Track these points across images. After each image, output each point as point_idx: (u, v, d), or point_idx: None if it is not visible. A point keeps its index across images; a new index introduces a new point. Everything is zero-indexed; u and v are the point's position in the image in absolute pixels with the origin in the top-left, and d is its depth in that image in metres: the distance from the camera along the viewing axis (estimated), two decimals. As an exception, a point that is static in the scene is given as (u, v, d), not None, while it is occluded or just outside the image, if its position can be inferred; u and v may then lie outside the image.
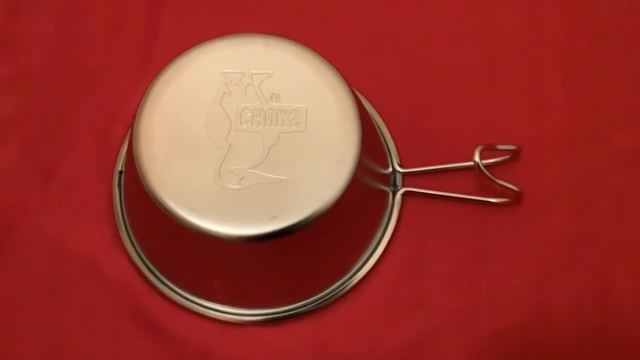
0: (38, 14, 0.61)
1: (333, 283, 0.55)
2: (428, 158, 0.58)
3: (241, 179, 0.49)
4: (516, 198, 0.56)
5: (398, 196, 0.57)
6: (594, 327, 0.55)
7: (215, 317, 0.55)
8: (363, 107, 0.53)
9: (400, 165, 0.57)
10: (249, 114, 0.51)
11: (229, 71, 0.52)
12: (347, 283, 0.55)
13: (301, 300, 0.55)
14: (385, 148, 0.58)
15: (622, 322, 0.55)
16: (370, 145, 0.53)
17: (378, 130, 0.58)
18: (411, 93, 0.59)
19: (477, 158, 0.55)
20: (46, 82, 0.60)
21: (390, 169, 0.57)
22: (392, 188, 0.57)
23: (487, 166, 0.55)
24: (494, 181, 0.55)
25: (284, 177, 0.49)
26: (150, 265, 0.56)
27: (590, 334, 0.55)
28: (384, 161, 0.57)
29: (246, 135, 0.50)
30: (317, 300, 0.55)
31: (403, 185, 0.57)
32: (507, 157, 0.57)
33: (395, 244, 0.56)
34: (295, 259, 0.52)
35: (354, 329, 0.55)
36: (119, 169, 0.57)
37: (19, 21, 0.61)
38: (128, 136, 0.57)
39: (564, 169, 0.58)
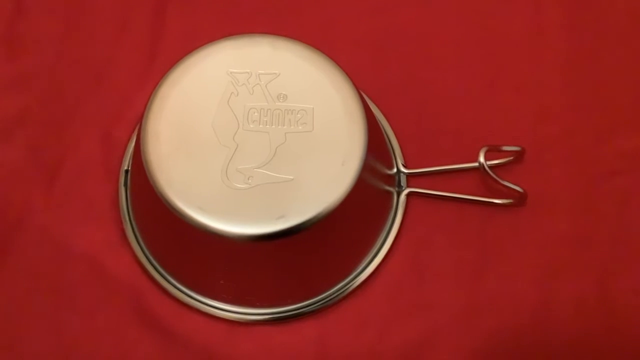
0: (44, 14, 0.61)
1: (337, 283, 0.55)
2: (432, 159, 0.58)
3: (248, 178, 0.50)
4: (520, 199, 0.56)
5: (402, 196, 0.57)
6: (596, 328, 0.55)
7: (220, 316, 0.55)
8: (369, 107, 0.53)
9: (405, 166, 0.58)
10: (256, 114, 0.51)
11: (236, 71, 0.52)
12: (351, 283, 0.56)
13: (306, 300, 0.55)
14: (390, 149, 0.58)
15: (623, 324, 0.55)
16: (375, 145, 0.53)
17: (383, 131, 0.58)
18: (415, 94, 0.60)
19: (481, 159, 0.55)
20: (52, 82, 0.60)
21: (395, 170, 0.57)
22: (396, 188, 0.57)
23: (490, 167, 0.56)
24: (498, 182, 0.55)
25: (291, 177, 0.50)
26: (156, 264, 0.56)
27: (592, 335, 0.55)
28: (388, 162, 0.57)
29: (253, 135, 0.51)
30: (321, 300, 0.55)
31: (407, 186, 0.57)
32: (511, 158, 0.57)
33: (399, 244, 0.57)
34: (301, 259, 0.53)
35: (357, 329, 0.55)
36: (125, 168, 0.57)
37: (25, 20, 0.61)
38: (134, 135, 0.57)
39: (567, 170, 0.58)
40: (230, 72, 0.52)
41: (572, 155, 0.58)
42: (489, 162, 0.55)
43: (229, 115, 0.51)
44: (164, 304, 0.55)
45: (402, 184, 0.57)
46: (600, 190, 0.58)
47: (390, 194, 0.57)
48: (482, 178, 0.57)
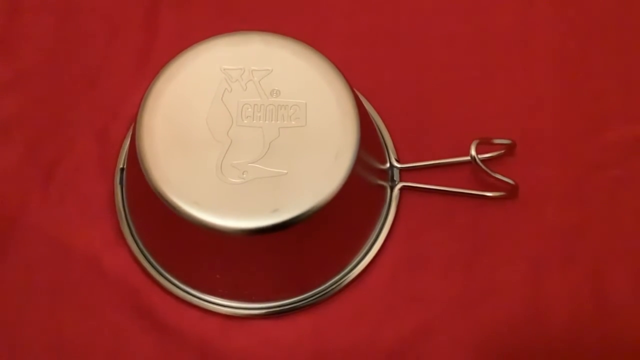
0: (38, 14, 0.62)
1: (332, 277, 0.56)
2: (424, 153, 0.58)
3: (243, 173, 0.50)
4: (511, 192, 0.57)
5: (396, 191, 0.58)
6: (589, 319, 0.56)
7: (216, 310, 0.55)
8: (361, 103, 0.54)
9: (398, 161, 0.58)
10: (249, 110, 0.52)
11: (229, 68, 0.52)
12: (345, 277, 0.56)
13: (301, 294, 0.56)
14: (383, 144, 0.59)
15: (615, 313, 0.56)
16: (368, 140, 0.54)
17: (375, 127, 0.58)
18: (407, 90, 0.60)
19: (473, 152, 0.55)
20: (47, 82, 0.61)
21: (388, 164, 0.58)
22: (389, 183, 0.58)
23: (482, 160, 0.56)
24: (490, 174, 0.56)
25: (285, 171, 0.50)
26: (152, 260, 0.56)
27: (585, 326, 0.56)
28: (381, 156, 0.57)
29: (247, 130, 0.51)
30: (316, 294, 0.56)
31: (400, 180, 0.58)
32: (502, 151, 0.58)
33: (393, 238, 0.57)
34: (296, 252, 0.53)
35: (352, 322, 0.56)
36: (121, 166, 0.58)
37: (20, 21, 0.62)
38: (130, 133, 0.58)
39: (558, 163, 0.58)
40: (224, 69, 0.52)
41: (563, 148, 0.59)
42: (480, 156, 0.56)
43: (222, 111, 0.51)
44: (161, 300, 0.56)
45: (395, 179, 0.58)
46: (591, 182, 0.58)
47: (383, 188, 0.57)
48: (474, 171, 0.58)
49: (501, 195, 0.57)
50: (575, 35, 0.62)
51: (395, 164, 0.58)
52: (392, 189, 0.58)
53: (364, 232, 0.56)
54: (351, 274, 0.56)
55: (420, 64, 0.61)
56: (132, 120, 0.56)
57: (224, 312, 0.55)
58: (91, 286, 0.56)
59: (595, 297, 0.56)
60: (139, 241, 0.57)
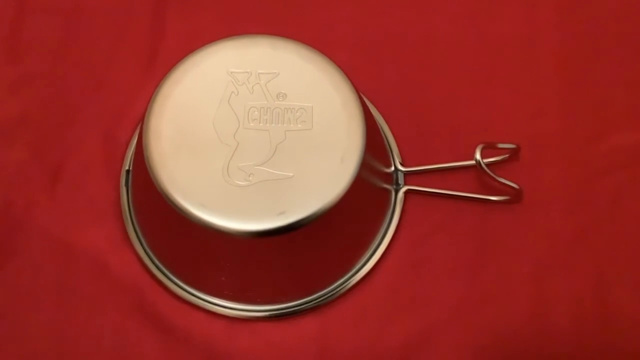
0: (45, 16, 0.62)
1: (337, 279, 0.56)
2: (429, 157, 0.59)
3: (249, 176, 0.50)
4: (516, 196, 0.57)
5: (400, 194, 0.58)
6: (592, 323, 0.56)
7: (221, 312, 0.56)
8: (367, 106, 0.54)
9: (402, 164, 0.58)
10: (256, 113, 0.52)
11: (236, 71, 0.53)
12: (350, 280, 0.56)
13: (306, 296, 0.56)
14: (388, 147, 0.59)
15: (619, 318, 0.56)
16: (373, 144, 0.54)
17: (381, 130, 0.59)
18: (412, 94, 0.60)
19: (478, 156, 0.56)
20: (53, 83, 0.61)
21: (393, 168, 0.58)
22: (394, 186, 0.58)
23: (487, 165, 0.56)
24: (495, 179, 0.56)
25: (291, 174, 0.50)
26: (158, 262, 0.56)
27: (588, 330, 0.56)
28: (386, 160, 0.58)
29: (254, 133, 0.51)
30: (321, 297, 0.56)
31: (405, 184, 0.58)
32: (507, 156, 0.58)
33: (397, 241, 0.57)
34: (301, 255, 0.53)
35: (357, 325, 0.56)
36: (127, 168, 0.58)
37: (27, 23, 0.62)
38: (136, 135, 0.58)
39: (563, 167, 0.59)
40: (231, 72, 0.53)
41: (567, 153, 0.59)
42: (485, 160, 0.56)
43: (229, 114, 0.52)
44: (166, 301, 0.56)
45: (399, 182, 0.58)
46: (595, 187, 0.58)
47: (388, 191, 0.57)
48: (478, 175, 0.58)
49: (505, 200, 0.57)
50: (580, 40, 0.62)
51: (400, 167, 0.58)
52: (396, 192, 0.58)
53: (369, 235, 0.57)
54: (356, 276, 0.56)
55: (426, 68, 0.61)
56: (138, 122, 0.56)
57: (229, 314, 0.56)
58: (97, 287, 0.56)
59: (598, 301, 0.56)
60: (144, 243, 0.57)
